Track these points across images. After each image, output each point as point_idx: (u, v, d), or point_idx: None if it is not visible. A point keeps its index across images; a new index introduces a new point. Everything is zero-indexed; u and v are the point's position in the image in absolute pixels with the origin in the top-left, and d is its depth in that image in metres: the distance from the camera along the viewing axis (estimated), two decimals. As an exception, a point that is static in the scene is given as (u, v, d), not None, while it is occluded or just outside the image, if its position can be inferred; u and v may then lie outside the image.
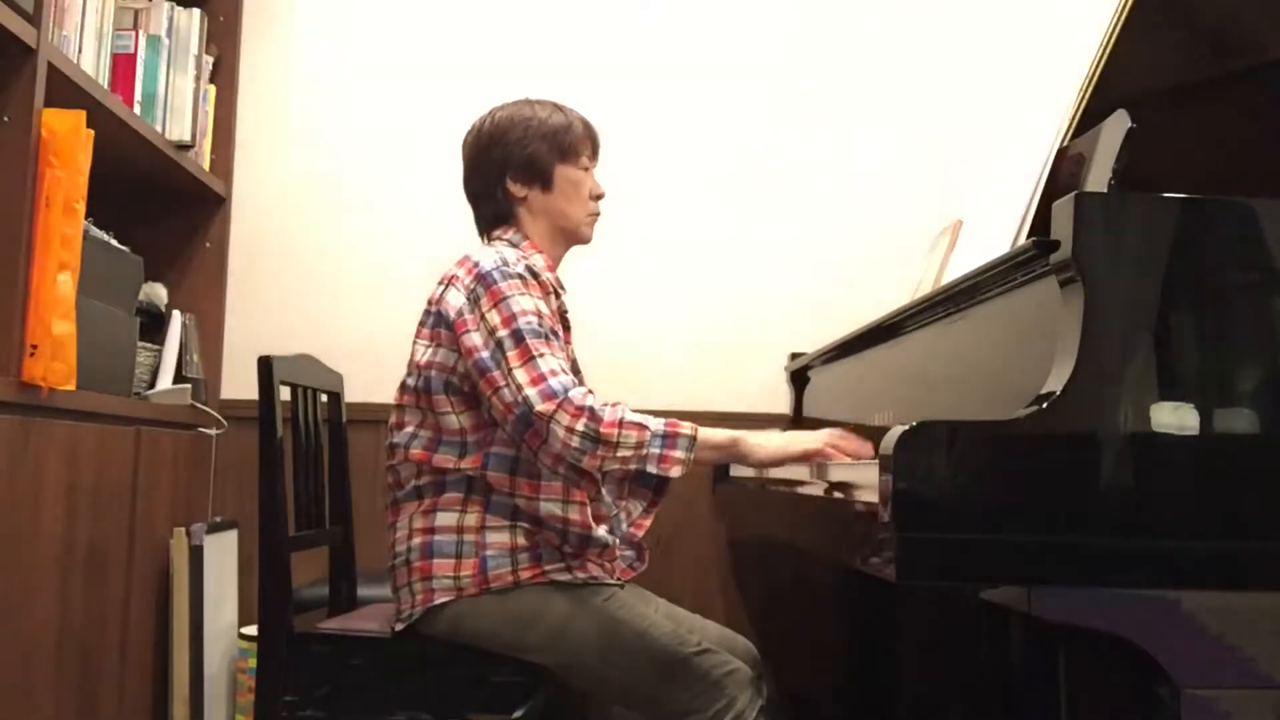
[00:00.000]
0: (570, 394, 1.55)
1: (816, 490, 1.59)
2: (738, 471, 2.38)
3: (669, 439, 1.57)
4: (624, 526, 1.73)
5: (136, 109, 2.22)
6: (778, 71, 2.82)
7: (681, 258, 2.77)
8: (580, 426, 1.53)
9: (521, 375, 1.55)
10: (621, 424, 1.55)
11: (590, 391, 1.58)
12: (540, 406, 1.53)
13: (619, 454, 1.55)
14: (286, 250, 2.72)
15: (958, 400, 1.57)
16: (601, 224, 1.83)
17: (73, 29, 1.96)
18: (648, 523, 1.75)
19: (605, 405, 1.57)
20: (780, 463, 1.63)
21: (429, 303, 1.71)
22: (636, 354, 2.72)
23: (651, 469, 1.57)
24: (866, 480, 1.27)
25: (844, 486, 1.45)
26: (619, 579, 1.68)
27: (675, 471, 1.58)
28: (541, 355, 1.57)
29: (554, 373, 1.56)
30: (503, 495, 1.63)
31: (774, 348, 2.69)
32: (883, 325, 1.89)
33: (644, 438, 1.56)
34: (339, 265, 2.72)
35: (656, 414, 1.60)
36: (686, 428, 1.59)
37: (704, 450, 1.59)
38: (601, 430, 1.54)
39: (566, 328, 1.77)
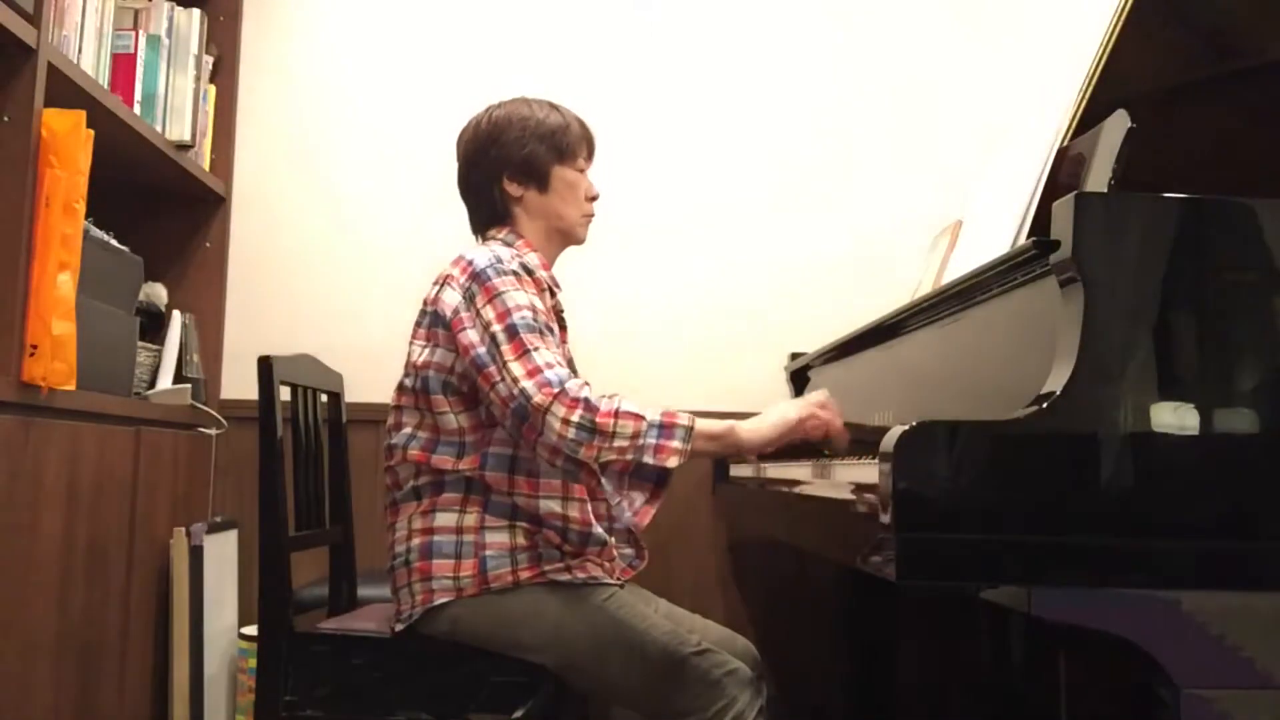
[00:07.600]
0: (566, 385, 1.54)
1: (816, 490, 1.59)
2: (738, 471, 2.38)
3: (665, 429, 1.56)
4: (627, 515, 1.71)
5: (136, 109, 2.22)
6: (777, 71, 2.83)
7: (681, 257, 2.77)
8: (576, 417, 1.53)
9: (517, 368, 1.55)
10: (617, 414, 1.55)
11: (587, 384, 1.58)
12: (537, 398, 1.53)
13: (615, 444, 1.54)
14: (286, 250, 2.72)
15: (958, 400, 1.57)
16: (601, 223, 1.83)
17: (73, 29, 1.96)
18: (653, 511, 1.72)
19: (602, 397, 1.56)
20: (777, 442, 1.62)
21: (425, 303, 1.71)
22: (636, 354, 2.72)
23: (648, 459, 1.55)
24: (866, 480, 1.27)
25: (844, 486, 1.44)
26: (618, 579, 1.68)
27: (672, 462, 1.56)
28: (536, 349, 1.57)
29: (550, 365, 1.56)
30: (501, 495, 1.62)
31: (774, 348, 2.69)
32: (883, 325, 1.89)
33: (640, 428, 1.55)
34: (339, 265, 2.72)
35: (656, 413, 1.59)
36: (683, 418, 1.58)
37: (700, 440, 1.58)
38: (597, 420, 1.53)
39: (563, 326, 1.77)
